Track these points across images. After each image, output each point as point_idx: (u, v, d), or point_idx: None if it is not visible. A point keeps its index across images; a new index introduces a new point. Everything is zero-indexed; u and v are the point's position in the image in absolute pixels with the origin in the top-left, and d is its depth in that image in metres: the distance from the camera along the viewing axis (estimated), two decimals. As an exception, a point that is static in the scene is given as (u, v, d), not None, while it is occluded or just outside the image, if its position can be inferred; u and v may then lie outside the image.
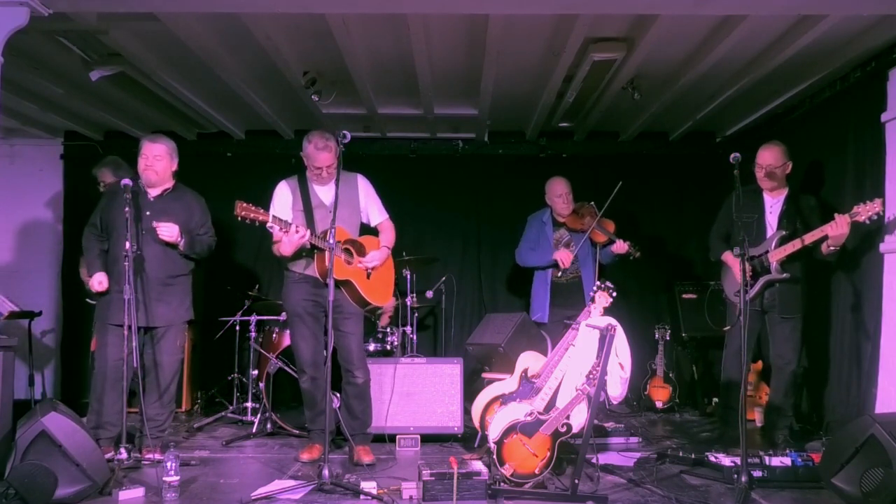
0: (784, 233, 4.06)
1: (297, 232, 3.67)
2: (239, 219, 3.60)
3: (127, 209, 3.65)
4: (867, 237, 4.15)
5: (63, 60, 4.38)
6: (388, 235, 4.14)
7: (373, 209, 4.12)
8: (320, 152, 3.84)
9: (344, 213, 3.85)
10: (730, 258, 4.30)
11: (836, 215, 3.82)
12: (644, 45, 4.07)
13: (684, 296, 5.92)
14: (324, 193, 3.96)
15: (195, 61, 4.34)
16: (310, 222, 3.86)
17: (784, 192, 4.23)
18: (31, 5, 3.26)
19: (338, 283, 3.80)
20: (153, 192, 3.98)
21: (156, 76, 4.63)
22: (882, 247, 4.00)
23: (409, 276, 5.44)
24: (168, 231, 3.84)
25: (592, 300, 3.67)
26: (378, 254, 4.02)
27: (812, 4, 3.53)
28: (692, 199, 6.15)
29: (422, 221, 6.16)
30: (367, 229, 4.15)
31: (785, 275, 4.03)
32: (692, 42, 4.21)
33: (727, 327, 4.36)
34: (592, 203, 4.96)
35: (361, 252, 3.98)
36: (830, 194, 4.55)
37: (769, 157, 4.16)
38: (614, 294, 3.67)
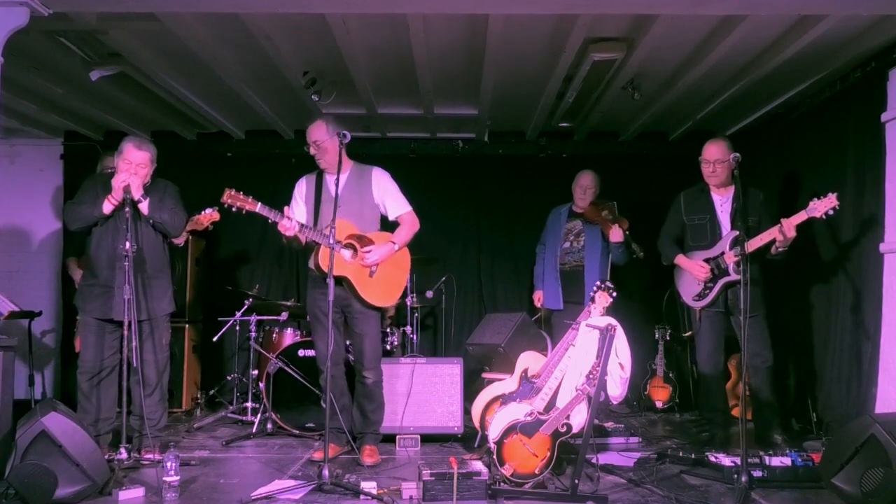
0: (738, 233, 3.98)
1: (288, 221, 3.60)
2: (226, 206, 3.57)
3: (127, 209, 3.61)
4: (867, 237, 4.15)
5: (63, 60, 4.38)
6: (403, 231, 3.97)
7: (389, 202, 3.98)
8: (310, 130, 3.87)
9: (352, 208, 3.81)
10: (683, 261, 4.30)
11: (782, 220, 3.81)
12: (644, 45, 4.08)
13: (684, 296, 5.92)
14: (333, 186, 3.86)
15: (195, 61, 4.34)
16: (315, 215, 3.84)
17: (731, 190, 4.22)
18: (31, 5, 3.26)
19: (338, 280, 3.74)
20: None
21: (156, 76, 4.63)
22: (882, 247, 4.00)
23: (409, 276, 5.44)
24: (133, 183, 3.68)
25: (592, 300, 3.67)
26: (379, 249, 3.84)
27: (812, 4, 3.53)
28: (692, 199, 6.13)
29: (422, 221, 5.97)
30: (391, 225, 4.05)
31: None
32: (692, 42, 4.21)
33: (688, 333, 4.33)
34: (614, 202, 5.18)
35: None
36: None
37: (716, 151, 4.19)
38: (614, 294, 3.67)
